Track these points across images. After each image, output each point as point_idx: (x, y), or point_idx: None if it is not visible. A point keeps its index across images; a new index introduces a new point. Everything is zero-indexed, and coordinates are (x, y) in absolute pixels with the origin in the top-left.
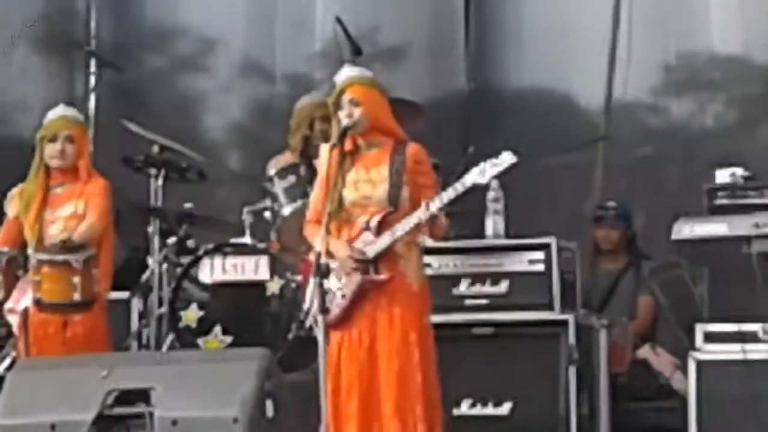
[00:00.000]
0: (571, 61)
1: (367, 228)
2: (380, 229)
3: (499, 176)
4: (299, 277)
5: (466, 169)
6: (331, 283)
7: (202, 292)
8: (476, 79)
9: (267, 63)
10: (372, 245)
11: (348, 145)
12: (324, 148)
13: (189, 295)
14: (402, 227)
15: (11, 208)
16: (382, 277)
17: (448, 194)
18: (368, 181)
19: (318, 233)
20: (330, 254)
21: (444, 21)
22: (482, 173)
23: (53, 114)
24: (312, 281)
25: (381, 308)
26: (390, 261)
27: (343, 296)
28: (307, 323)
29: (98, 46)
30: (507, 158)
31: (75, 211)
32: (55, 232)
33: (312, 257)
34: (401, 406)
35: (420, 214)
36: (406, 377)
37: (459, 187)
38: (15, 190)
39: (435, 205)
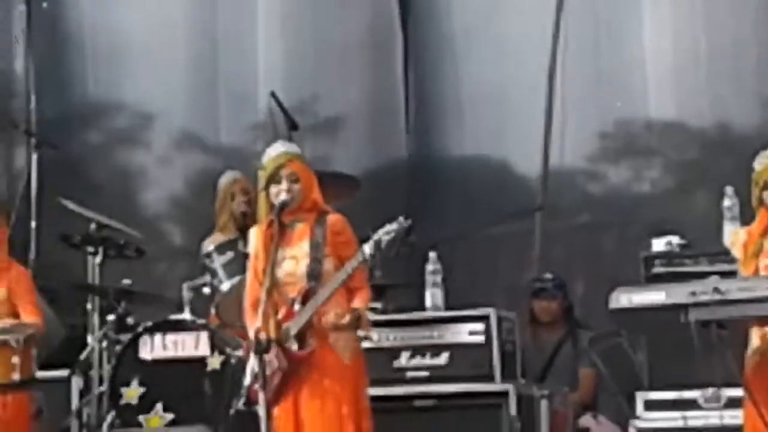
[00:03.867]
0: (509, 130)
1: (292, 306)
2: (304, 305)
3: (395, 242)
4: (242, 353)
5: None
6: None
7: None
8: (416, 149)
9: (207, 136)
10: (295, 321)
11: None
12: (253, 232)
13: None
14: (321, 297)
15: None
16: (301, 351)
17: (352, 264)
18: (292, 258)
19: (254, 319)
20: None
21: (384, 91)
22: (377, 244)
23: None
24: (251, 357)
25: (312, 383)
26: (319, 335)
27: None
28: (243, 400)
29: (38, 123)
30: (398, 224)
31: None
32: None
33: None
34: None
35: (339, 277)
36: None
37: (360, 256)
38: None
39: (351, 267)
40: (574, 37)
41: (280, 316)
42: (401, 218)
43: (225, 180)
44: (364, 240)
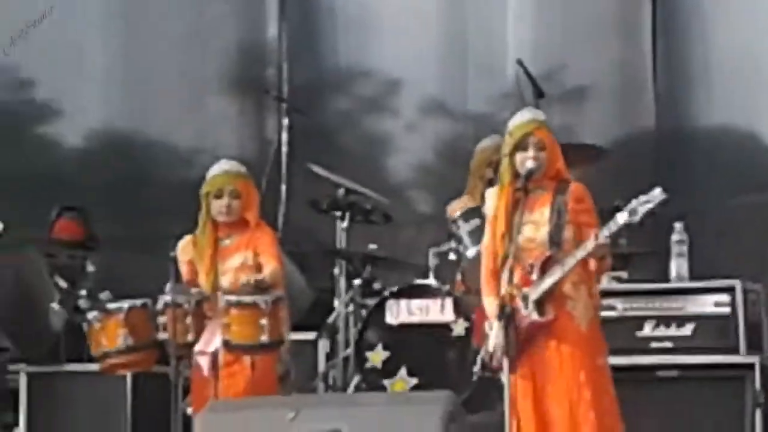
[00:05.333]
0: (759, 100)
1: (530, 271)
2: (543, 271)
3: (650, 214)
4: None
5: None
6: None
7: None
8: (664, 119)
9: (454, 103)
10: (535, 288)
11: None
12: (490, 193)
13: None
14: (567, 264)
15: (185, 254)
16: (541, 318)
17: (610, 228)
18: (533, 223)
19: (490, 291)
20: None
21: (632, 60)
22: (634, 212)
23: (216, 169)
24: (495, 324)
25: (550, 350)
26: (557, 302)
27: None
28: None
29: (290, 91)
30: (657, 195)
31: (244, 262)
32: (226, 284)
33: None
34: None
35: (589, 245)
36: (578, 417)
37: (613, 225)
38: (186, 239)
39: (603, 235)
40: None
41: (515, 281)
42: (658, 190)
43: (489, 144)
44: (610, 211)
